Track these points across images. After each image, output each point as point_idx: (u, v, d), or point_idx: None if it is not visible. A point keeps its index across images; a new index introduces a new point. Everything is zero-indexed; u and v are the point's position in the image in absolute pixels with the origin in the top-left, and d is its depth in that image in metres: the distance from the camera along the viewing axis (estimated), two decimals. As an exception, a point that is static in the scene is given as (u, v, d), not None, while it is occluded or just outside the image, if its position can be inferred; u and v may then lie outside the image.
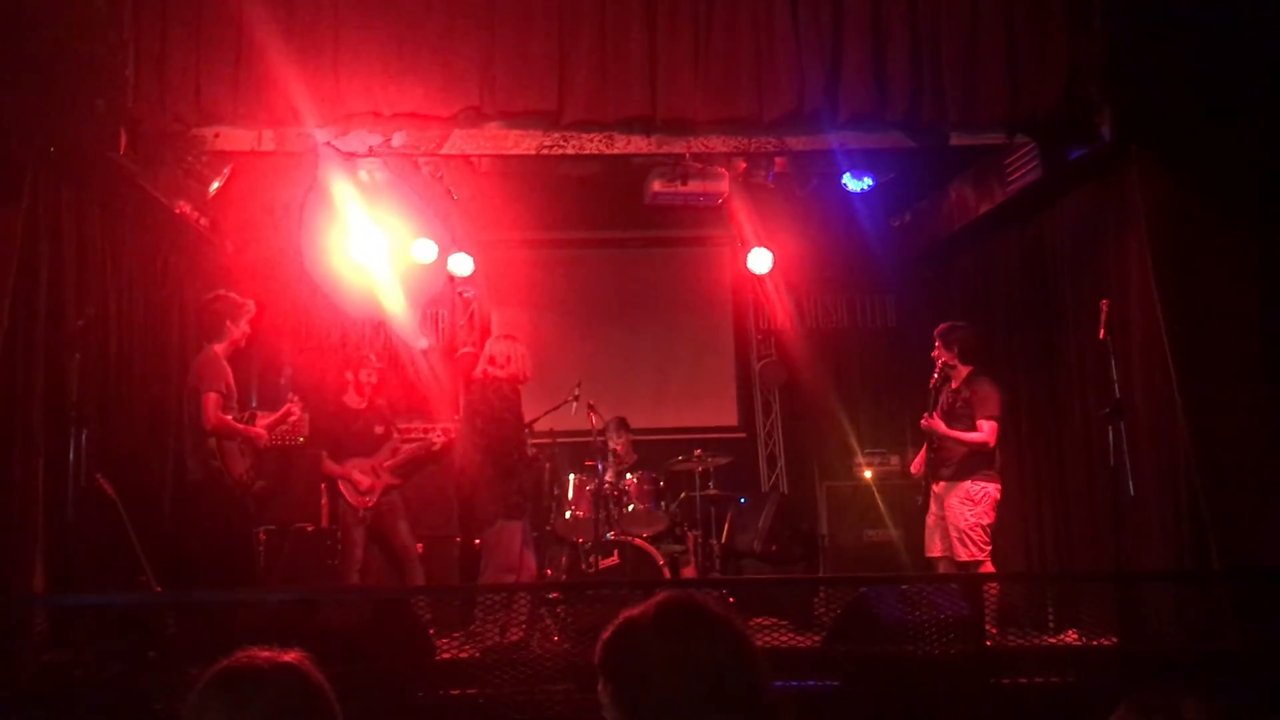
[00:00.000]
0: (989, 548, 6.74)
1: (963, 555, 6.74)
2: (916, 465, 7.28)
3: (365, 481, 7.47)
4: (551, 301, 9.74)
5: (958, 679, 5.07)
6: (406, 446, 7.86)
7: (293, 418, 7.14)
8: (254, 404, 8.18)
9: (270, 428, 6.95)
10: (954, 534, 6.79)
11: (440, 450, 7.98)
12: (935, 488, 6.97)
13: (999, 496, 6.82)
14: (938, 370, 7.07)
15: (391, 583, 7.56)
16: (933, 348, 7.11)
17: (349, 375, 7.77)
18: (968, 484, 6.77)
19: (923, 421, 6.99)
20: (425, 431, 8.25)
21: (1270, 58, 5.91)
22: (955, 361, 7.02)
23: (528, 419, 7.45)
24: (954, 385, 7.04)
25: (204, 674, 1.95)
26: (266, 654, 1.97)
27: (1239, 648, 5.27)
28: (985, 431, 6.77)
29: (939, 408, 7.02)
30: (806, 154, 7.40)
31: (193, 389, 6.61)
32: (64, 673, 5.05)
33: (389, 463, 7.67)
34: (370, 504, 7.48)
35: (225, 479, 6.57)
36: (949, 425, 6.88)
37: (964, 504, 6.77)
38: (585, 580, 7.44)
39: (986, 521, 6.76)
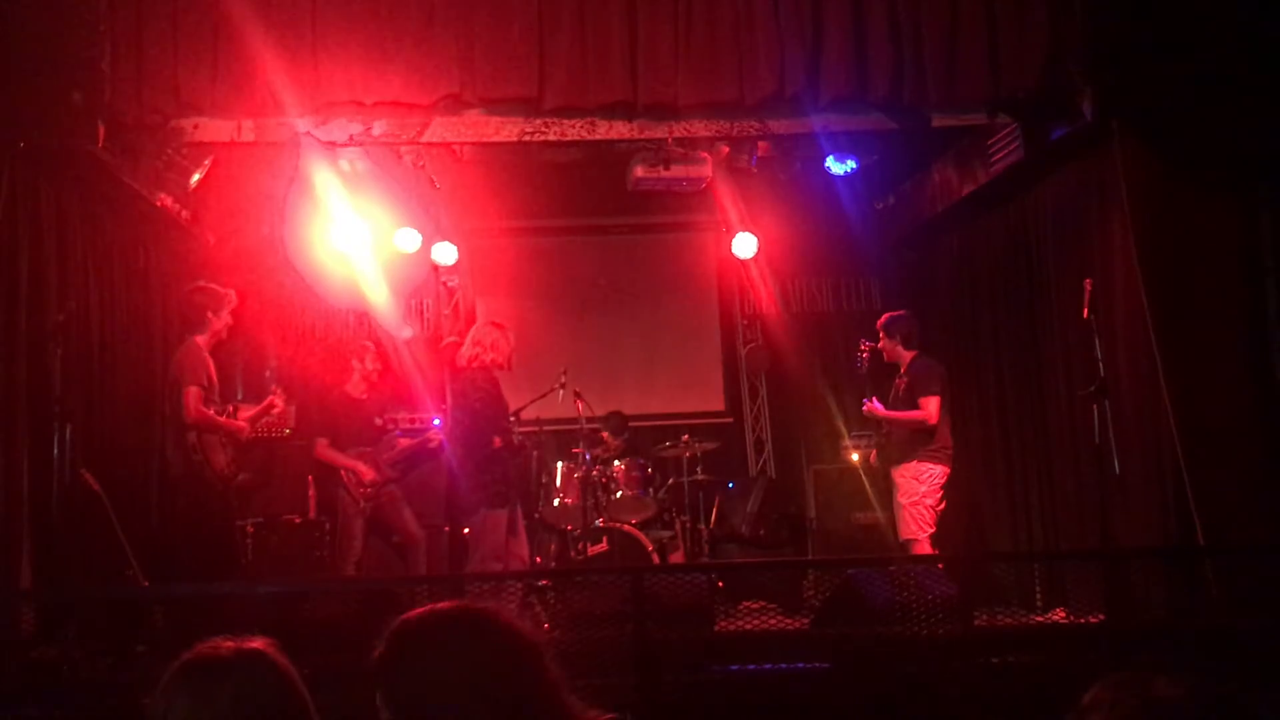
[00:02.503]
0: (931, 528, 6.84)
1: (903, 533, 6.88)
2: (875, 455, 7.44)
3: (369, 474, 7.42)
4: (536, 289, 9.71)
5: (946, 659, 5.10)
6: (404, 441, 7.84)
7: (276, 409, 7.11)
8: (239, 396, 8.15)
9: (253, 420, 6.93)
10: (898, 511, 6.94)
11: (436, 449, 7.96)
12: (892, 472, 7.08)
13: (944, 480, 6.89)
14: (864, 355, 7.32)
15: (391, 573, 7.55)
16: (877, 339, 7.26)
17: (355, 364, 7.73)
18: (914, 464, 6.90)
19: (864, 408, 7.13)
20: (411, 422, 8.23)
21: (1252, 35, 5.92)
22: (899, 349, 7.14)
23: (514, 407, 7.44)
24: (901, 371, 7.17)
25: (173, 667, 1.93)
26: (230, 643, 1.94)
27: (1225, 623, 5.30)
28: (925, 409, 6.85)
29: (890, 395, 7.14)
30: (789, 137, 7.38)
31: (174, 382, 6.56)
32: (52, 669, 5.03)
33: (387, 457, 7.64)
34: (370, 495, 7.45)
35: (207, 472, 6.53)
36: (898, 410, 7.02)
37: (909, 482, 6.90)
38: (574, 567, 7.44)
39: (930, 501, 6.85)
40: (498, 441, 6.83)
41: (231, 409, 6.91)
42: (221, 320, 6.72)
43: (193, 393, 6.44)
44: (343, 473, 7.45)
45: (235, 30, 5.85)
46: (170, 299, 7.45)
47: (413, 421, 8.27)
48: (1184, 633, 5.23)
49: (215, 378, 6.64)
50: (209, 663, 1.91)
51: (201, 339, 6.64)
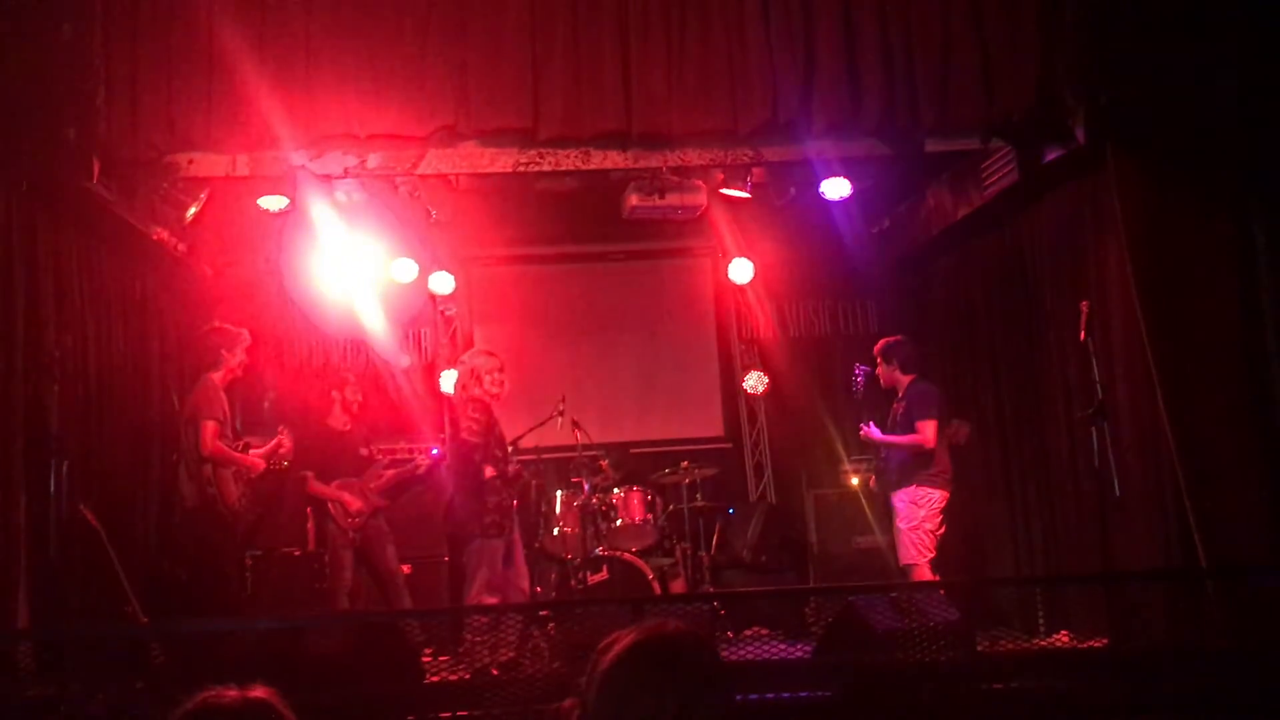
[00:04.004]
0: (931, 553, 6.81)
1: (903, 558, 6.86)
2: (875, 480, 7.45)
3: (355, 504, 7.43)
4: (534, 317, 9.71)
5: (950, 685, 5.06)
6: (389, 471, 7.82)
7: (283, 449, 7.18)
8: (238, 427, 8.14)
9: (266, 457, 7.01)
10: (897, 536, 6.92)
11: (424, 474, 7.95)
12: (891, 496, 7.06)
13: (944, 504, 6.87)
14: (859, 380, 7.33)
15: (379, 605, 7.52)
16: (875, 364, 7.26)
17: (335, 395, 7.75)
18: (912, 488, 6.88)
19: (861, 432, 7.12)
20: (410, 452, 8.21)
21: (1242, 54, 5.94)
22: (897, 374, 7.14)
23: (512, 435, 7.41)
24: (899, 395, 7.16)
25: (175, 715, 1.90)
26: (234, 692, 1.92)
27: (1228, 646, 5.28)
28: (922, 433, 6.84)
29: (888, 419, 7.13)
30: (783, 164, 7.39)
31: (190, 416, 6.77)
32: (51, 707, 4.99)
33: (375, 485, 7.63)
34: (359, 525, 7.44)
35: (219, 505, 6.71)
36: (896, 434, 7.01)
37: (908, 507, 6.88)
38: (575, 598, 7.40)
39: (930, 526, 6.83)
40: (490, 471, 6.77)
41: (243, 445, 6.98)
42: (236, 358, 6.98)
43: (209, 427, 6.66)
44: (330, 505, 7.45)
45: (229, 65, 5.86)
46: (167, 332, 7.47)
47: (410, 452, 8.25)
48: (1188, 655, 5.20)
49: (229, 414, 6.82)
50: (226, 710, 1.88)
51: (217, 376, 6.89)
